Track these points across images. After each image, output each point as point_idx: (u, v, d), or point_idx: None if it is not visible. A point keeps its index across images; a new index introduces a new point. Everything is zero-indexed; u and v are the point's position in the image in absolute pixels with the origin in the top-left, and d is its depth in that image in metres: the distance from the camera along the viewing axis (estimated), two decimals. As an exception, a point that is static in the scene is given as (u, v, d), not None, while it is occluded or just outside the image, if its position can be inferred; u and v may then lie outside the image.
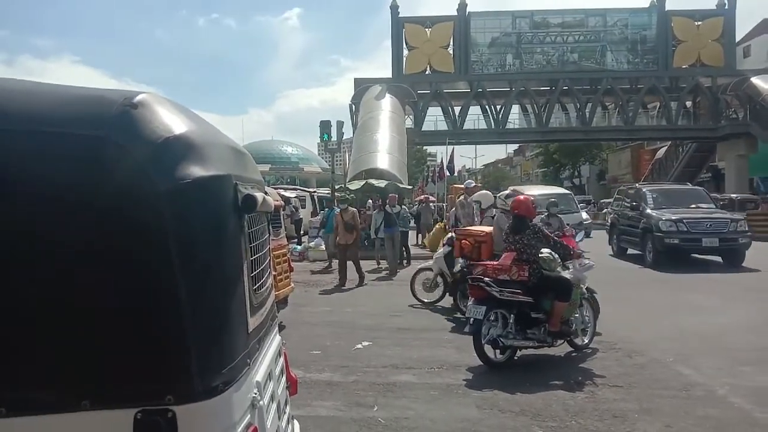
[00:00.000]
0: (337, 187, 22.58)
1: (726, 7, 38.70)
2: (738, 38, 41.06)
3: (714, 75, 38.33)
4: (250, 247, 1.87)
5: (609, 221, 18.24)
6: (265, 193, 2.08)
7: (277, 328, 2.36)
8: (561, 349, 6.27)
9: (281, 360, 2.32)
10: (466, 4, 39.11)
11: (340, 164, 35.35)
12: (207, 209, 1.56)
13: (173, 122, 1.57)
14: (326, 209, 17.41)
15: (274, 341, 2.25)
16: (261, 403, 1.79)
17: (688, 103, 40.73)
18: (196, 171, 1.51)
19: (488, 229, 8.27)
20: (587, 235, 17.99)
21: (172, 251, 1.45)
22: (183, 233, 1.47)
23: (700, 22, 38.47)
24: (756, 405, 4.66)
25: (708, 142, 40.57)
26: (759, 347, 6.42)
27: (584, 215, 22.32)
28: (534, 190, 18.78)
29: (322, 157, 56.44)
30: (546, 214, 11.00)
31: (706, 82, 38.53)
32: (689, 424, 4.35)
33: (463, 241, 8.43)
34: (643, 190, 15.89)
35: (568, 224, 8.40)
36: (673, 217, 13.83)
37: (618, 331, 7.11)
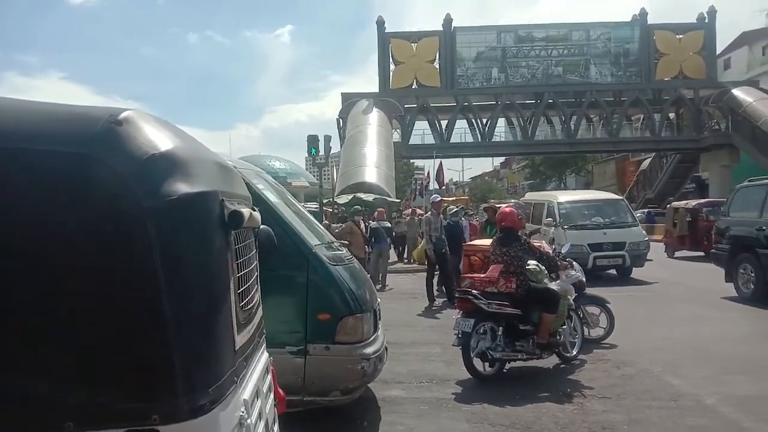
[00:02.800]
0: (325, 201, 22.57)
1: (706, 20, 39.36)
2: (718, 51, 41.72)
3: (696, 87, 38.85)
4: (237, 264, 1.86)
5: (725, 240, 10.84)
6: (252, 208, 2.07)
7: (264, 345, 2.34)
8: (549, 361, 6.27)
9: (269, 377, 2.30)
10: (452, 20, 39.45)
11: (328, 178, 35.35)
12: (193, 225, 1.55)
13: (158, 138, 1.56)
14: None
15: (262, 358, 2.23)
16: (248, 421, 1.77)
17: (671, 115, 41.19)
18: (182, 187, 1.51)
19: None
20: (640, 265, 13.58)
21: (157, 268, 1.44)
22: (168, 250, 1.46)
23: (681, 36, 39.05)
24: (744, 414, 4.68)
25: (691, 153, 41.04)
26: (747, 357, 6.46)
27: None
28: (578, 196, 16.22)
29: (310, 172, 56.39)
30: None
31: (689, 94, 39.04)
32: (678, 435, 4.36)
33: (473, 257, 8.26)
34: None
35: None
36: None
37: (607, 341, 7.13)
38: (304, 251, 4.33)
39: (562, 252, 6.99)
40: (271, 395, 2.30)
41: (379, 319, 4.87)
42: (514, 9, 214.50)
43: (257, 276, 2.22)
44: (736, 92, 36.62)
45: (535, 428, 4.55)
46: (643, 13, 39.51)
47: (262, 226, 2.27)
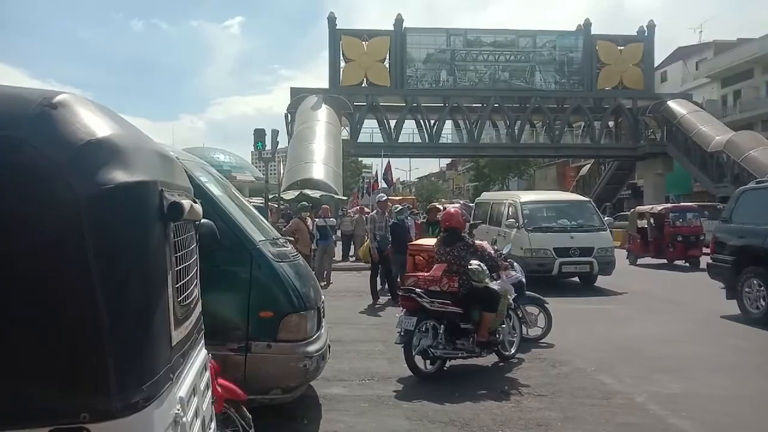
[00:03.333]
0: (271, 196, 22.30)
1: (645, 34, 41.01)
2: (656, 64, 43.56)
3: (634, 97, 40.43)
4: (176, 257, 1.81)
5: (727, 251, 9.43)
6: (194, 201, 2.02)
7: (203, 341, 2.29)
8: (488, 359, 6.40)
9: (207, 374, 2.25)
10: (403, 20, 39.67)
11: (274, 173, 34.95)
12: (130, 216, 1.49)
13: (95, 124, 1.50)
14: None
15: (200, 354, 2.18)
16: (184, 419, 1.72)
17: (611, 124, 42.74)
18: (119, 176, 1.45)
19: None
20: (608, 273, 12.36)
21: (90, 260, 1.38)
22: (103, 241, 1.41)
23: (622, 47, 40.52)
24: (670, 411, 4.91)
25: (628, 160, 42.73)
26: (675, 356, 6.77)
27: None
28: (542, 196, 15.41)
29: (256, 166, 55.56)
30: None
31: (627, 104, 40.57)
32: (609, 431, 4.52)
33: (417, 257, 8.23)
34: None
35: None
36: None
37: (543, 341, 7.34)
38: (247, 247, 4.26)
39: (503, 253, 7.14)
40: (209, 393, 2.25)
41: (323, 316, 4.85)
42: (464, 13, 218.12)
43: (197, 270, 2.16)
44: (672, 104, 38.34)
45: (473, 425, 4.63)
46: (587, 24, 40.81)
47: (203, 220, 2.22)
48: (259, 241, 4.40)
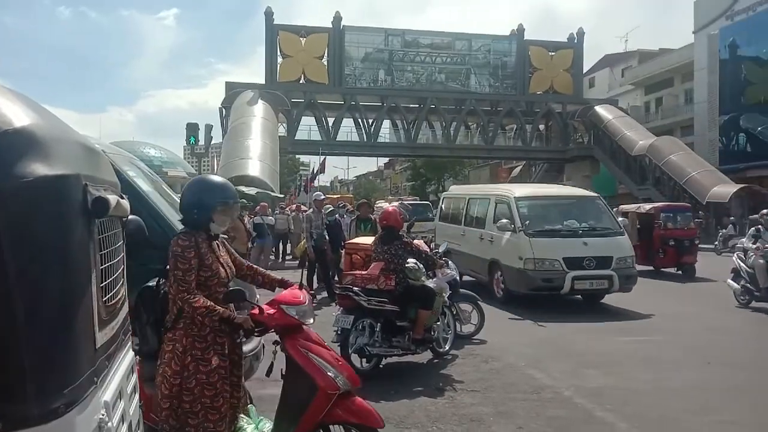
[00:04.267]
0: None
1: (575, 41, 42.57)
2: (585, 70, 45.31)
3: (564, 102, 41.87)
4: (101, 255, 1.72)
5: None
6: (121, 196, 1.93)
7: (130, 343, 2.19)
8: (423, 356, 6.48)
9: (134, 377, 2.16)
10: (341, 18, 39.55)
11: (208, 169, 34.10)
12: (50, 212, 1.41)
13: (13, 113, 1.41)
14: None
15: (127, 357, 2.09)
16: (109, 424, 1.64)
17: (542, 127, 44.09)
18: (39, 169, 1.37)
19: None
20: (628, 289, 9.87)
21: (6, 258, 1.29)
22: (21, 238, 1.32)
23: (553, 53, 41.89)
24: (596, 404, 5.11)
25: (557, 162, 44.28)
26: (601, 352, 7.05)
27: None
28: (540, 190, 12.31)
29: (189, 162, 54.04)
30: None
31: (557, 108, 41.97)
32: (539, 425, 4.66)
33: (354, 255, 8.18)
34: None
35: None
36: None
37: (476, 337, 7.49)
38: None
39: (440, 251, 7.24)
40: (136, 396, 2.17)
41: None
42: (402, 14, 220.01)
43: (123, 269, 2.07)
44: (599, 109, 39.96)
45: (408, 422, 4.67)
46: (521, 29, 41.93)
47: (131, 216, 2.13)
48: None
